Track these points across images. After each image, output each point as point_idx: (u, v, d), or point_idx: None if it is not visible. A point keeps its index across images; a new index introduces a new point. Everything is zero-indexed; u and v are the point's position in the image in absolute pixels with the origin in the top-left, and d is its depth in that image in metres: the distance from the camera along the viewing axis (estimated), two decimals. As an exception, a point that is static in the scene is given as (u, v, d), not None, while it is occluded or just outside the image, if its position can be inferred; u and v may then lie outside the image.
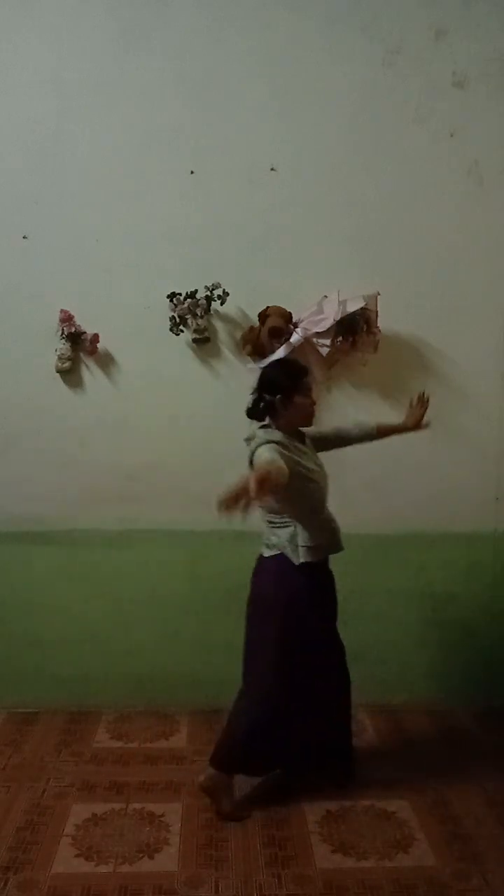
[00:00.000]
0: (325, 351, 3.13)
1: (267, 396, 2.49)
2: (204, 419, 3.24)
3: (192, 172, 3.18)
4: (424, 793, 2.70)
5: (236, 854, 2.34)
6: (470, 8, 3.20)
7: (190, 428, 3.25)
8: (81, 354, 3.22)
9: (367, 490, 3.30)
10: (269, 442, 2.36)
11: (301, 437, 2.58)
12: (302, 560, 2.47)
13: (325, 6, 3.16)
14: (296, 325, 3.13)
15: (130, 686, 3.31)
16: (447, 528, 3.35)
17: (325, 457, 2.70)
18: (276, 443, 2.37)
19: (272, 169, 3.20)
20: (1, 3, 3.11)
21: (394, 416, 3.30)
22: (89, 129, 3.16)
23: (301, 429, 2.60)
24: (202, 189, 3.19)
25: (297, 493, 2.41)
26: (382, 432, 2.83)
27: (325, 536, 2.53)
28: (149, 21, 3.13)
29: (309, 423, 2.59)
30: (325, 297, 3.14)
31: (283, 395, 2.47)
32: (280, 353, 3.08)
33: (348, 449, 3.30)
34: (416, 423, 2.84)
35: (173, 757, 2.94)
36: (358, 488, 3.26)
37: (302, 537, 2.48)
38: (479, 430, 3.35)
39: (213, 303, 3.12)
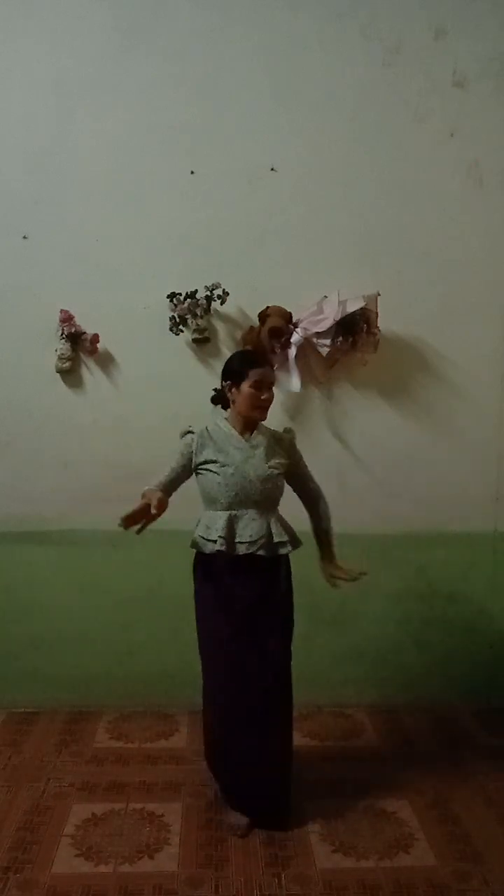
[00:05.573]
0: (325, 351, 3.13)
1: (222, 383, 2.52)
2: (204, 419, 3.22)
3: (192, 172, 3.18)
4: (424, 793, 2.70)
5: (236, 854, 2.34)
6: (470, 8, 3.20)
7: (190, 428, 3.25)
8: (81, 354, 3.22)
9: (367, 490, 3.30)
10: (188, 433, 2.53)
11: (251, 429, 2.49)
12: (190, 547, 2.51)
13: (324, 6, 3.16)
14: (296, 325, 3.13)
15: (130, 686, 3.31)
16: (447, 528, 3.35)
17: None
18: (211, 430, 2.50)
19: (272, 169, 3.20)
20: (1, 4, 3.11)
21: (393, 416, 3.32)
22: (89, 130, 3.16)
23: (273, 431, 2.54)
24: (202, 189, 3.18)
25: (199, 484, 2.52)
26: (317, 537, 2.62)
27: (205, 533, 2.47)
28: (149, 21, 3.13)
29: (256, 415, 2.47)
30: (325, 297, 3.14)
31: (232, 381, 2.47)
32: (291, 355, 3.09)
33: (347, 450, 3.32)
34: (329, 574, 2.60)
35: (173, 757, 2.93)
36: (358, 488, 3.27)
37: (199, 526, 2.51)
38: (478, 430, 3.35)
39: (213, 303, 3.12)
